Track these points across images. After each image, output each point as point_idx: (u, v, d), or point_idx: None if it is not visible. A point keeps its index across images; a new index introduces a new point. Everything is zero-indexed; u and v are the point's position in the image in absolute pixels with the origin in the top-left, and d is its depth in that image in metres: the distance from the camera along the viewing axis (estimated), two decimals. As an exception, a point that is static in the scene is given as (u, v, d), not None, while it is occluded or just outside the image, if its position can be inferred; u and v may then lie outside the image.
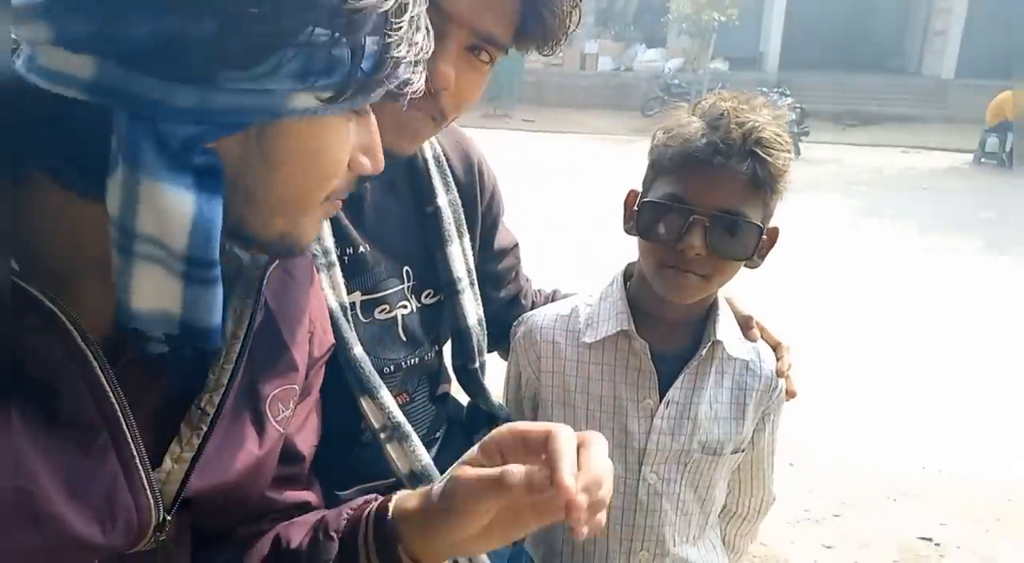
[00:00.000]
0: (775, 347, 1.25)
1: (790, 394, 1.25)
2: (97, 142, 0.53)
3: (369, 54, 0.56)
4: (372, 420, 0.98)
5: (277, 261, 0.72)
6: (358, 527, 0.76)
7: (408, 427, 1.00)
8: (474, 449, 0.70)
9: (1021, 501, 3.08)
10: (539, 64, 16.45)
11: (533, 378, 1.24)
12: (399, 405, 1.01)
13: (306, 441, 0.84)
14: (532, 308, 1.34)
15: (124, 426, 0.61)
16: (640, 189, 1.15)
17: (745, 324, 1.24)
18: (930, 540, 2.82)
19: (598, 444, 0.66)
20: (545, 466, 0.62)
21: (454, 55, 0.86)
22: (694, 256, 1.06)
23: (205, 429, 0.66)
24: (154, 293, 0.56)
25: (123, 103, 0.51)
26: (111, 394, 0.59)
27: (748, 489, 1.32)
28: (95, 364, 0.58)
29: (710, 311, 1.19)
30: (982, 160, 12.72)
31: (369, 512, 0.76)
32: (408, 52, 0.59)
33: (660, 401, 1.17)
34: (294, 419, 0.80)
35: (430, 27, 0.62)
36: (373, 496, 0.80)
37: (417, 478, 1.00)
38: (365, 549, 0.74)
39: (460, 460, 0.71)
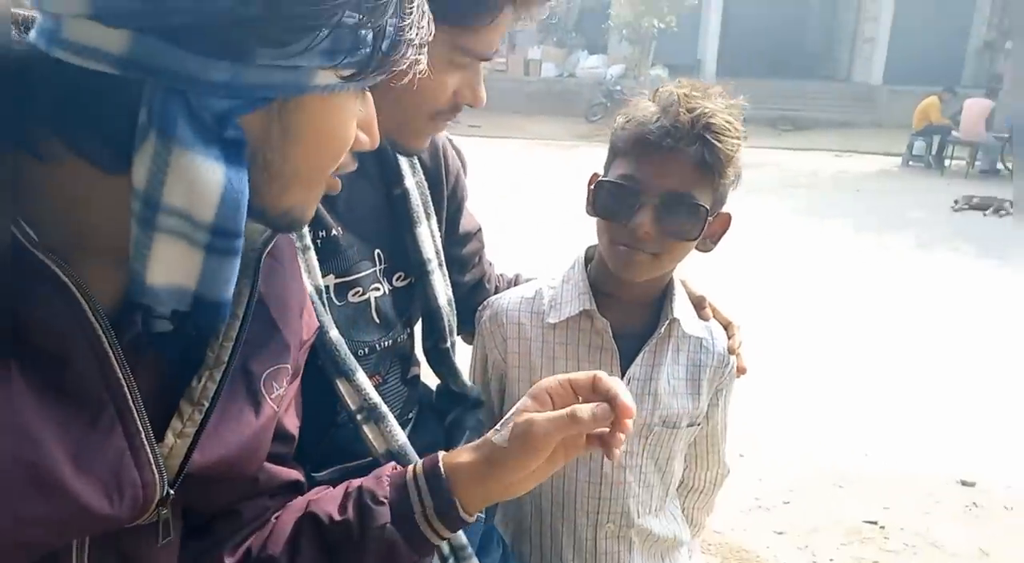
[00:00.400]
0: (726, 326, 1.31)
1: (741, 371, 1.30)
2: (123, 115, 0.54)
3: (387, 36, 0.59)
4: (348, 402, 0.98)
5: (272, 244, 0.73)
6: (406, 490, 0.80)
7: (384, 408, 1.01)
8: (525, 399, 0.80)
9: (955, 484, 3.22)
10: (484, 71, 16.46)
11: (500, 360, 1.26)
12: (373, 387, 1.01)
13: (293, 422, 0.85)
14: (496, 292, 1.37)
15: (130, 401, 0.62)
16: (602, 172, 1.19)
17: (698, 304, 1.29)
18: (875, 523, 2.93)
19: (622, 385, 0.80)
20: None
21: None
22: (643, 234, 1.09)
23: (207, 404, 0.67)
24: (171, 267, 0.57)
25: (157, 77, 0.52)
26: (118, 369, 0.60)
27: (704, 463, 1.37)
28: (104, 338, 0.59)
29: (666, 291, 1.24)
30: (910, 163, 13.26)
31: (416, 474, 0.81)
32: (416, 36, 0.63)
33: (622, 378, 1.20)
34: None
35: (431, 15, 0.66)
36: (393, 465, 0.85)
37: (394, 457, 1.01)
38: (421, 506, 0.79)
39: (512, 410, 0.80)
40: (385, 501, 0.80)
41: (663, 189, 1.09)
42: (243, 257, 0.70)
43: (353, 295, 1.05)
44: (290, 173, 0.62)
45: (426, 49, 0.65)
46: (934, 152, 13.05)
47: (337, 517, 0.81)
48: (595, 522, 1.24)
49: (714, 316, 1.31)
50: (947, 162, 12.80)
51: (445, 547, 1.07)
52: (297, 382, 0.85)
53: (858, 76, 21.00)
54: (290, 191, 0.64)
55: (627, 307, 1.23)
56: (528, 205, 8.37)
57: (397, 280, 1.12)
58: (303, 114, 0.60)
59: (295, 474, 0.87)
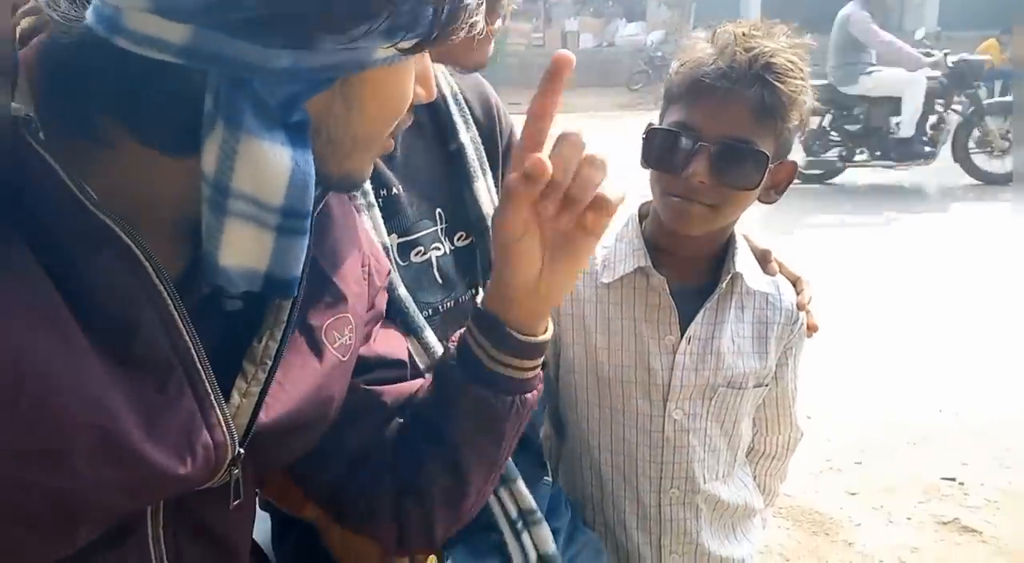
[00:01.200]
0: (794, 281, 1.26)
1: (811, 328, 1.24)
2: (187, 103, 0.55)
3: (446, 6, 0.59)
4: (417, 360, 0.99)
5: (323, 203, 0.74)
6: (466, 340, 0.80)
7: None
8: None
9: (1037, 436, 3.11)
10: (521, 46, 16.40)
11: (553, 324, 1.23)
12: None
13: (392, 347, 0.89)
14: None
15: (198, 364, 0.63)
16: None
17: (763, 258, 1.24)
18: (953, 480, 2.84)
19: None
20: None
21: None
22: (698, 184, 1.05)
23: (270, 363, 0.68)
24: (243, 250, 0.58)
25: (219, 67, 0.53)
26: (185, 332, 0.61)
27: (776, 427, 1.32)
28: (169, 302, 0.60)
29: (727, 246, 1.19)
30: (971, 110, 12.71)
31: (468, 325, 0.81)
32: (474, 4, 0.63)
33: (682, 337, 1.17)
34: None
35: None
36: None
37: None
38: (481, 349, 0.79)
39: None
40: (454, 357, 0.81)
41: (719, 135, 1.04)
42: None
43: (415, 254, 1.04)
44: (351, 140, 0.64)
45: (483, 7, 0.64)
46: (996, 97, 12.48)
47: (421, 393, 0.85)
48: (658, 488, 1.21)
49: (781, 272, 1.26)
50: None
51: (513, 511, 1.07)
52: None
53: (910, 25, 20.15)
54: (352, 156, 0.65)
55: (685, 263, 1.19)
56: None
57: (459, 239, 1.11)
58: (364, 86, 0.61)
59: (415, 383, 0.89)
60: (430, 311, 1.05)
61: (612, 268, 1.19)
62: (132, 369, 0.59)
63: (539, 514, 1.07)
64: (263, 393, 0.68)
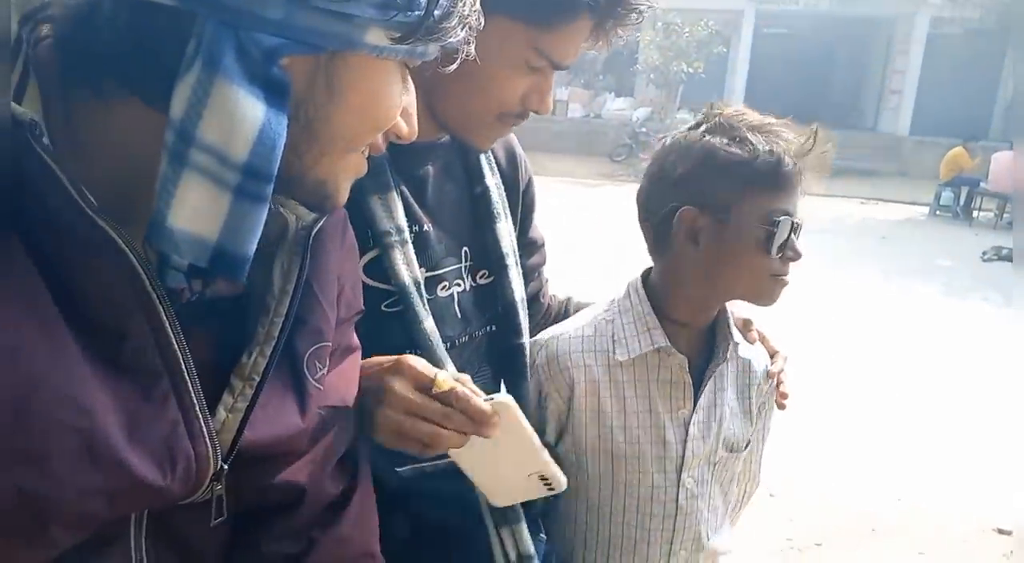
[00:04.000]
0: (772, 355, 1.30)
1: (782, 397, 1.27)
2: (173, 46, 0.54)
3: (440, 2, 0.60)
4: None
5: (323, 221, 0.73)
6: None
7: None
8: None
9: (992, 532, 3.14)
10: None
11: (562, 406, 1.21)
12: None
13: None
14: (548, 311, 1.36)
15: (185, 373, 0.61)
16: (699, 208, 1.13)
17: (745, 327, 1.29)
18: (911, 569, 2.86)
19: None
20: None
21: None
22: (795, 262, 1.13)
23: (258, 379, 0.67)
24: (196, 211, 0.56)
25: (211, 9, 0.53)
26: (174, 340, 0.60)
27: (744, 478, 1.35)
28: (160, 309, 0.59)
29: (720, 314, 1.23)
30: (937, 212, 13.19)
31: None
32: (469, 13, 0.64)
33: (694, 409, 1.19)
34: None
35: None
36: None
37: None
38: None
39: None
40: None
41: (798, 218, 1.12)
42: (294, 233, 0.72)
43: (441, 289, 1.07)
44: (328, 136, 0.63)
45: (475, 35, 0.66)
46: (962, 203, 13.00)
47: None
48: (667, 551, 1.22)
49: (763, 344, 1.30)
50: (975, 213, 12.72)
51: (513, 554, 1.07)
52: (340, 359, 0.82)
53: (884, 126, 21.03)
54: (326, 158, 0.64)
55: (692, 336, 1.21)
56: (559, 237, 8.40)
57: (480, 277, 1.14)
58: (348, 73, 0.60)
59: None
60: (448, 344, 1.07)
61: (626, 345, 1.18)
62: (119, 374, 0.58)
63: (536, 561, 1.07)
64: (249, 409, 0.66)
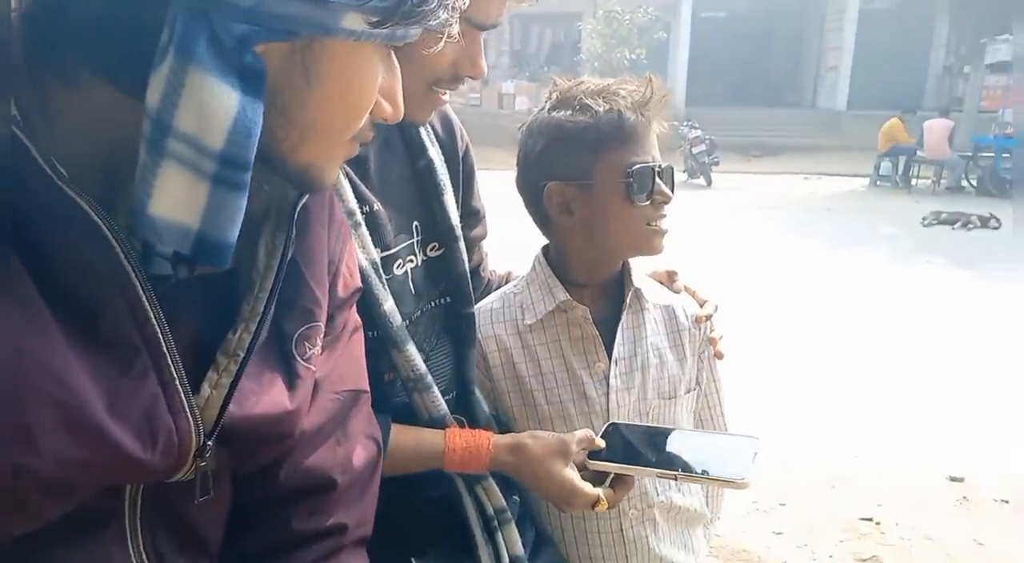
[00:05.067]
0: (702, 304, 1.34)
1: (718, 356, 1.32)
2: (148, 34, 0.53)
3: None
4: (400, 370, 1.02)
5: (307, 197, 0.73)
6: None
7: (429, 379, 1.05)
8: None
9: (945, 480, 3.28)
10: (459, 104, 16.72)
11: (482, 378, 1.24)
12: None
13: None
14: (488, 285, 1.38)
15: (164, 348, 0.61)
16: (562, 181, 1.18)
17: (670, 278, 1.34)
18: (870, 520, 2.96)
19: None
20: None
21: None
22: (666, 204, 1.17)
23: (242, 355, 0.67)
24: (177, 198, 0.56)
25: None
26: (152, 314, 0.60)
27: (711, 427, 1.38)
28: (137, 283, 0.58)
29: (623, 267, 1.27)
30: (878, 183, 13.60)
31: None
32: None
33: (609, 360, 1.23)
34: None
35: None
36: None
37: (435, 423, 1.07)
38: None
39: None
40: None
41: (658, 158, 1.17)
42: (277, 208, 0.71)
43: (396, 267, 1.08)
44: (307, 123, 0.62)
45: (458, 14, 0.65)
46: (900, 172, 13.41)
47: None
48: (618, 512, 1.23)
49: (692, 294, 1.35)
50: (913, 181, 13.14)
51: (489, 508, 1.09)
52: (340, 345, 0.84)
53: (823, 102, 21.55)
54: (307, 144, 0.64)
55: (596, 292, 1.25)
56: (510, 229, 8.44)
57: (431, 250, 1.14)
58: (326, 59, 0.59)
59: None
60: (407, 321, 1.08)
61: (532, 309, 1.24)
62: (98, 349, 0.57)
63: (509, 514, 1.09)
64: (233, 385, 0.66)
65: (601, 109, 1.14)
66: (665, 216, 1.19)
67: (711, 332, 1.32)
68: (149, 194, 0.55)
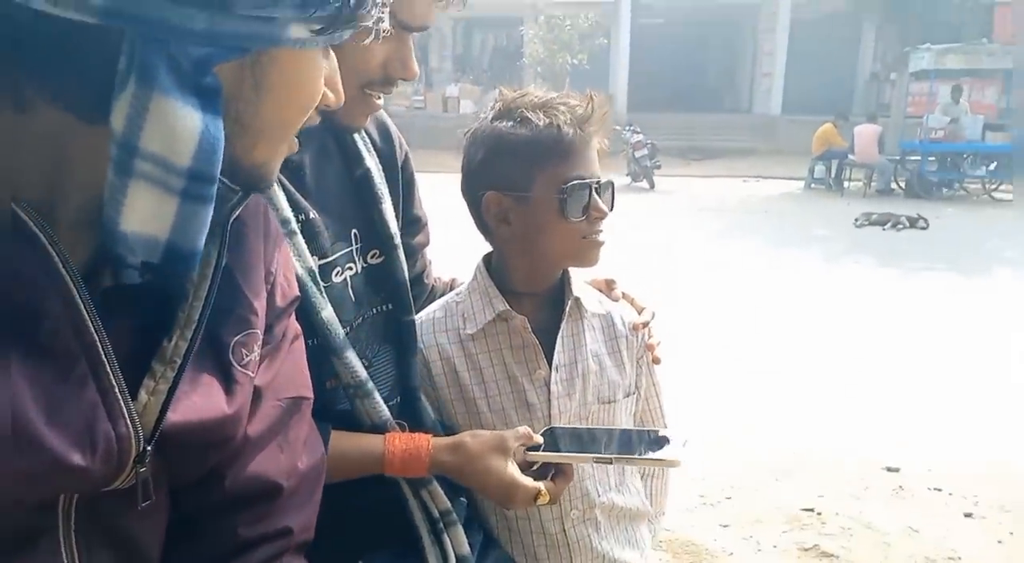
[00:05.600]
0: (640, 311, 1.37)
1: (649, 349, 1.35)
2: (103, 64, 0.55)
3: None
4: (342, 377, 1.02)
5: (241, 207, 0.73)
6: None
7: (371, 385, 1.05)
8: None
9: (882, 470, 3.40)
10: (403, 107, 16.65)
11: (427, 386, 1.25)
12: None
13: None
14: (432, 292, 1.39)
15: (103, 356, 0.62)
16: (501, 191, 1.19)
17: (608, 286, 1.36)
18: (812, 510, 3.05)
19: None
20: None
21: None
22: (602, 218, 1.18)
23: (179, 362, 0.68)
24: (145, 215, 0.58)
25: (137, 26, 0.54)
26: (90, 322, 0.61)
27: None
28: (74, 291, 0.59)
29: (563, 277, 1.29)
30: (812, 185, 14.04)
31: None
32: None
33: (550, 367, 1.25)
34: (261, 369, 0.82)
35: None
36: None
37: (377, 429, 1.06)
38: None
39: None
40: None
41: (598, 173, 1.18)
42: (212, 218, 0.71)
43: (335, 275, 1.07)
44: (260, 126, 0.65)
45: (388, 9, 0.68)
46: (833, 175, 13.87)
47: None
48: (560, 514, 1.26)
49: (630, 302, 1.37)
50: (846, 184, 13.61)
51: (435, 510, 1.09)
52: (280, 354, 0.84)
53: (759, 108, 22.15)
54: (260, 145, 0.66)
55: (536, 302, 1.27)
56: (455, 234, 8.43)
57: (372, 257, 1.14)
58: (274, 67, 0.62)
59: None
60: (347, 329, 1.07)
61: (473, 318, 1.25)
62: (37, 357, 0.58)
63: (455, 515, 1.10)
64: (171, 391, 0.67)
65: (541, 123, 1.14)
66: (601, 231, 1.21)
67: (649, 338, 1.35)
68: (119, 211, 0.57)
